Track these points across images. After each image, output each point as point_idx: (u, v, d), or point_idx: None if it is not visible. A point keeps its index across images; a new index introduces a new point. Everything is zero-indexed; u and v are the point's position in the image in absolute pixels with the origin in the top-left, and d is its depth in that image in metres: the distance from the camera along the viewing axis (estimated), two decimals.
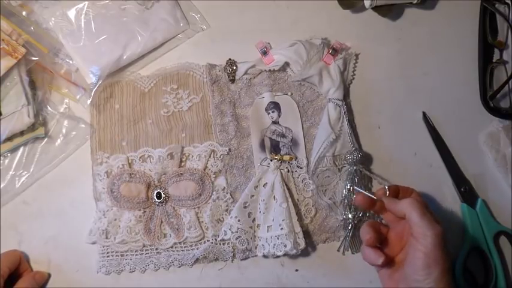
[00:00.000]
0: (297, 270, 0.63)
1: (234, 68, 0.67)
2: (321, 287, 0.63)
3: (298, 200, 0.64)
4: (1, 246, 0.62)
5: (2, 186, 0.63)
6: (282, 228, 0.60)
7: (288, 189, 0.63)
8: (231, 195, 0.64)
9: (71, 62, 0.66)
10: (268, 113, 0.66)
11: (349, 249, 0.63)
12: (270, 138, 0.66)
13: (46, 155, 0.64)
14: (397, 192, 0.57)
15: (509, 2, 0.69)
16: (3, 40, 0.62)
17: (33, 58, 0.64)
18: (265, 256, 0.62)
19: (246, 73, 0.67)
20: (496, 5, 0.69)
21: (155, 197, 0.63)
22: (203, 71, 0.67)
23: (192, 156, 0.65)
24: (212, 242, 0.62)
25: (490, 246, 0.62)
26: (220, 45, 0.68)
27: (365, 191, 0.64)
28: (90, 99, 0.65)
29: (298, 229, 0.61)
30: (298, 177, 0.65)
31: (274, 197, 0.62)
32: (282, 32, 0.69)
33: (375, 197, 0.56)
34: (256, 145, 0.65)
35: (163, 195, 0.63)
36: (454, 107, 0.68)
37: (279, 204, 0.61)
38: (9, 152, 0.64)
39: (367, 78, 0.68)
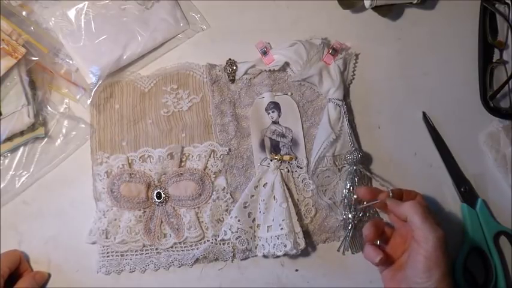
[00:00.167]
0: (297, 270, 0.63)
1: (234, 68, 0.67)
2: (321, 287, 0.63)
3: (298, 200, 0.64)
4: (1, 246, 0.62)
5: (2, 186, 0.63)
6: (282, 228, 0.60)
7: (288, 189, 0.63)
8: (231, 195, 0.64)
9: (71, 62, 0.66)
10: (268, 113, 0.66)
11: (349, 249, 0.63)
12: (270, 138, 0.66)
13: (46, 155, 0.64)
14: (400, 195, 0.57)
15: (509, 2, 0.69)
16: (3, 40, 0.62)
17: (33, 58, 0.64)
18: (265, 256, 0.62)
19: (246, 73, 0.67)
20: (496, 5, 0.69)
21: (155, 197, 0.63)
22: (203, 71, 0.67)
23: (192, 156, 0.65)
24: (212, 242, 0.62)
25: (490, 246, 0.62)
26: (220, 45, 0.68)
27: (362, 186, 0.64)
28: (90, 99, 0.65)
29: (298, 229, 0.61)
30: (298, 177, 0.65)
31: (274, 197, 0.62)
32: (282, 32, 0.69)
33: (378, 200, 0.57)
34: (256, 145, 0.65)
35: (163, 195, 0.63)
36: (454, 107, 0.68)
37: (279, 204, 0.61)
38: (9, 152, 0.64)
39: (367, 78, 0.68)
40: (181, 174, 0.63)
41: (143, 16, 0.67)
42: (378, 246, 0.56)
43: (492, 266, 0.62)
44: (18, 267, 0.60)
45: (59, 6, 0.66)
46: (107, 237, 0.62)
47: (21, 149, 0.64)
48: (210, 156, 0.65)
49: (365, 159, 0.65)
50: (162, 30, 0.67)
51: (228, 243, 0.62)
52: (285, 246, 0.59)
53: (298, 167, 0.65)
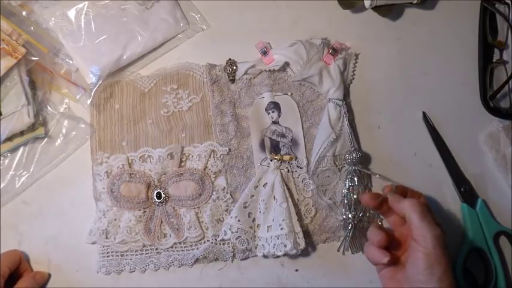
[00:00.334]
0: (297, 270, 0.63)
1: (234, 68, 0.67)
2: (321, 287, 0.63)
3: (298, 200, 0.64)
4: (1, 246, 0.62)
5: (2, 186, 0.63)
6: (282, 228, 0.60)
7: (288, 189, 0.63)
8: (231, 195, 0.64)
9: (71, 62, 0.66)
10: (268, 113, 0.66)
11: (349, 249, 0.63)
12: (270, 138, 0.66)
13: (46, 155, 0.64)
14: (405, 193, 0.57)
15: (509, 2, 0.69)
16: (3, 40, 0.62)
17: (33, 58, 0.64)
18: (265, 256, 0.62)
19: (246, 73, 0.67)
20: (496, 5, 0.69)
21: (155, 197, 0.63)
22: (203, 71, 0.67)
23: (192, 156, 0.65)
24: (212, 242, 0.62)
25: (490, 246, 0.62)
26: (220, 45, 0.68)
27: (365, 191, 0.64)
28: (90, 99, 0.65)
29: (298, 229, 0.61)
30: (298, 177, 0.65)
31: (274, 197, 0.62)
32: (282, 32, 0.69)
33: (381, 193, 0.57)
34: (256, 145, 0.65)
35: (163, 195, 0.63)
36: (454, 107, 0.68)
37: (279, 204, 0.61)
38: (9, 152, 0.64)
39: (367, 78, 0.68)
40: (181, 174, 0.63)
41: (143, 16, 0.67)
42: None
43: (492, 266, 0.62)
44: (18, 267, 0.60)
45: (59, 6, 0.66)
46: (107, 237, 0.62)
47: (21, 149, 0.64)
48: (210, 156, 0.65)
49: (365, 159, 0.65)
50: (162, 30, 0.67)
51: (228, 243, 0.62)
52: (285, 246, 0.59)
53: (298, 167, 0.65)
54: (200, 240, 0.63)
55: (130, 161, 0.64)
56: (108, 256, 0.62)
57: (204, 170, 0.64)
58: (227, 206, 0.63)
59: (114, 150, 0.65)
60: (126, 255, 0.62)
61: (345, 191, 0.64)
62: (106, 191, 0.63)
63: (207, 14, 0.69)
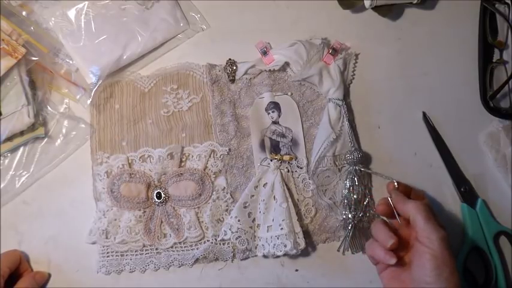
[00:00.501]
0: (297, 270, 0.63)
1: (234, 68, 0.67)
2: (321, 287, 0.63)
3: (298, 200, 0.64)
4: (1, 246, 0.62)
5: (2, 186, 0.63)
6: (282, 228, 0.60)
7: (288, 189, 0.63)
8: (231, 195, 0.64)
9: (71, 62, 0.66)
10: (268, 113, 0.66)
11: (349, 249, 0.63)
12: (270, 138, 0.66)
13: (46, 155, 0.64)
14: (408, 193, 0.57)
15: (509, 2, 0.69)
16: (3, 40, 0.62)
17: (33, 58, 0.64)
18: (265, 256, 0.62)
19: (246, 73, 0.67)
20: (496, 5, 0.69)
21: (155, 197, 0.63)
22: (203, 71, 0.67)
23: (192, 156, 0.65)
24: (212, 242, 0.62)
25: (490, 246, 0.62)
26: (220, 45, 0.68)
27: (365, 190, 0.64)
28: (90, 99, 0.65)
29: (298, 229, 0.61)
30: (298, 177, 0.65)
31: (274, 197, 0.62)
32: (282, 32, 0.69)
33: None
34: (256, 145, 0.65)
35: (163, 195, 0.63)
36: (454, 107, 0.68)
37: (279, 204, 0.61)
38: (9, 152, 0.64)
39: (367, 78, 0.68)
40: (181, 174, 0.63)
41: (143, 16, 0.67)
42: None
43: (492, 266, 0.62)
44: (18, 267, 0.60)
45: (59, 6, 0.66)
46: (107, 237, 0.62)
47: (21, 149, 0.64)
48: (210, 156, 0.65)
49: (365, 159, 0.65)
50: (162, 30, 0.67)
51: (228, 243, 0.62)
52: (285, 246, 0.59)
53: (298, 167, 0.65)
54: (200, 240, 0.63)
55: (130, 161, 0.64)
56: (108, 256, 0.62)
57: (204, 170, 0.64)
58: (227, 206, 0.63)
59: (114, 150, 0.65)
60: (126, 255, 0.62)
61: (345, 191, 0.64)
62: (106, 191, 0.63)
63: (207, 14, 0.69)
